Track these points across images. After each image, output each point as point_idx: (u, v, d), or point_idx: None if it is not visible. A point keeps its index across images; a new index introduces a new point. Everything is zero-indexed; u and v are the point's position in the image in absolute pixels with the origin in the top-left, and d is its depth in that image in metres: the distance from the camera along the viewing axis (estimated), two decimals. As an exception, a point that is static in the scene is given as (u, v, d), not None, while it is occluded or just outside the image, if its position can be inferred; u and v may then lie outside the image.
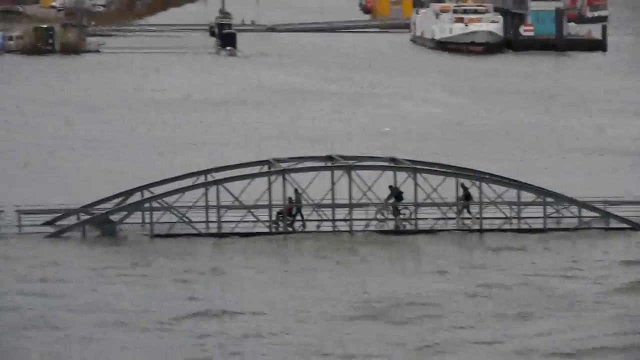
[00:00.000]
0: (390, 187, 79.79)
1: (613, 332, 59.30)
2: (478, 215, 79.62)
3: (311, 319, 60.01)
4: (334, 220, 79.28)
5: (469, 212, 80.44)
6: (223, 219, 78.36)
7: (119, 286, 65.97)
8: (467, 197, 79.85)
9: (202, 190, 78.47)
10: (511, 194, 79.79)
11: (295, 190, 78.73)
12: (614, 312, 61.55)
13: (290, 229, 78.85)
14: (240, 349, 57.35)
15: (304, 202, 78.75)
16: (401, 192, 79.38)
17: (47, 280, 65.63)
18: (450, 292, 64.48)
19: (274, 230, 78.40)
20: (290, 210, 78.87)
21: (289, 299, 63.85)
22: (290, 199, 78.64)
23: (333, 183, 79.12)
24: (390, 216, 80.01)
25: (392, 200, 79.54)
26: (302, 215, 79.20)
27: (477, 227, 79.48)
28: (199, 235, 77.59)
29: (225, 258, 73.72)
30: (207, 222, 78.47)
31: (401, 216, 79.87)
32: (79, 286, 65.59)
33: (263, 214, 78.35)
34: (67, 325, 58.81)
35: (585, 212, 79.61)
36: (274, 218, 78.44)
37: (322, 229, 78.85)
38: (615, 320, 60.63)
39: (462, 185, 79.78)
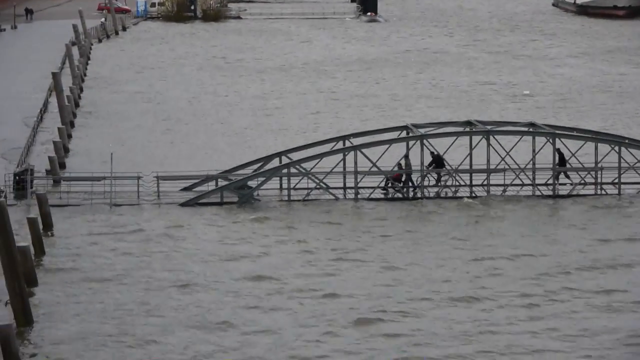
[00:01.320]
0: (434, 154, 79.02)
1: None
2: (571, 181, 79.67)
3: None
4: (471, 185, 78.99)
5: (566, 176, 79.94)
6: (360, 184, 78.31)
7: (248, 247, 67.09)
8: (562, 162, 78.99)
9: (339, 156, 78.36)
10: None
11: (406, 156, 78.37)
12: None
13: (399, 195, 78.61)
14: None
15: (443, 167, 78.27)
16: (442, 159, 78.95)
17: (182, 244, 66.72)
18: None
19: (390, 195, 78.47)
20: (400, 177, 78.66)
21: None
22: (400, 165, 78.39)
23: (471, 148, 78.83)
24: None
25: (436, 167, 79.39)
26: (412, 182, 78.94)
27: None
28: (337, 199, 77.34)
29: (365, 222, 73.27)
30: (344, 187, 78.40)
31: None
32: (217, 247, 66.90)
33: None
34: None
35: None
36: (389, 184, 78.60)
37: (459, 194, 78.32)
38: None
39: (558, 151, 78.92)
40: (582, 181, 79.81)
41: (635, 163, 78.68)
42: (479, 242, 67.43)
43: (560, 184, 79.46)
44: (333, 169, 77.34)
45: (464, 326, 53.57)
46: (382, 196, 78.47)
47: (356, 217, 74.12)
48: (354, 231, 70.60)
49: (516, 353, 50.24)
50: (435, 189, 79.15)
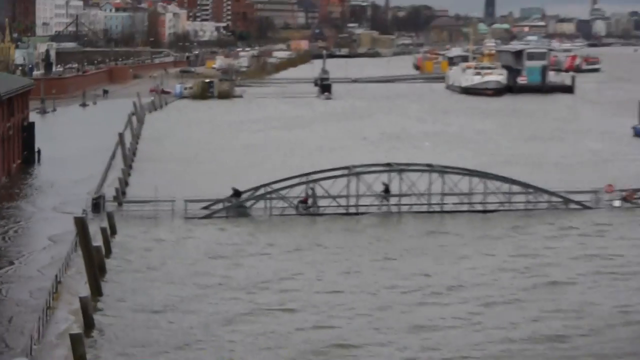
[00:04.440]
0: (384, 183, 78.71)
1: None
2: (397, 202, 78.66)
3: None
4: (356, 205, 77.98)
5: (387, 200, 78.35)
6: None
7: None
8: (387, 190, 78.44)
9: (303, 187, 78.70)
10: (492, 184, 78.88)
11: (312, 188, 78.28)
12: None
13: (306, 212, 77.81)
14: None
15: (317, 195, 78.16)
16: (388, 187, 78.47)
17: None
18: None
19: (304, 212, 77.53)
20: (307, 200, 78.29)
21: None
22: (307, 192, 78.15)
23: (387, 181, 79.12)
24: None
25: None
26: (315, 203, 78.09)
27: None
28: (301, 214, 77.28)
29: (316, 230, 73.91)
30: (314, 207, 78.25)
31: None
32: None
33: (343, 203, 77.81)
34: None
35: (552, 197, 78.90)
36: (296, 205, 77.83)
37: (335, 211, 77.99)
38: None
39: (383, 183, 78.52)
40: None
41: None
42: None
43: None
44: (299, 194, 78.06)
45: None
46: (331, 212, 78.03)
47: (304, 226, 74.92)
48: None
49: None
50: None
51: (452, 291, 55.63)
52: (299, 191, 78.75)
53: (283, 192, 78.15)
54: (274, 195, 78.14)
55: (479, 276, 58.96)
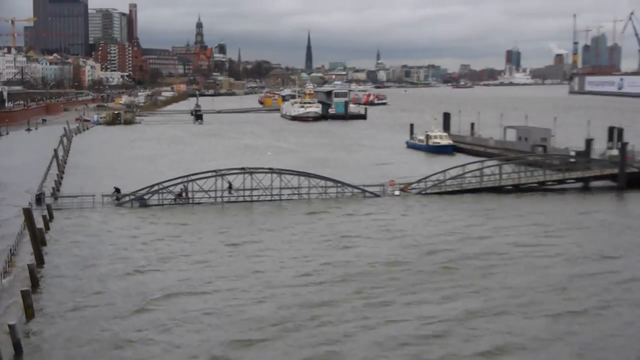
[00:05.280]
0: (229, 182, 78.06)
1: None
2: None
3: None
4: (222, 197, 76.95)
5: (230, 192, 77.41)
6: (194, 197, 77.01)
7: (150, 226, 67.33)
8: (230, 186, 77.68)
9: (183, 185, 77.08)
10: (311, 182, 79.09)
11: (185, 185, 76.83)
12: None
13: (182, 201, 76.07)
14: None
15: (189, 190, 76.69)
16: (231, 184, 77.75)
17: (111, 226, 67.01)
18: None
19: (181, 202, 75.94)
20: (181, 194, 76.72)
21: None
22: (181, 188, 76.77)
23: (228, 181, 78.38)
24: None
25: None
26: (186, 194, 76.50)
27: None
28: (182, 204, 75.71)
29: (193, 214, 72.86)
30: (186, 198, 76.76)
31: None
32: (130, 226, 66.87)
33: (212, 194, 76.78)
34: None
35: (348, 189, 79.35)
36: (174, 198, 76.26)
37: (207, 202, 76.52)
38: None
39: (228, 181, 77.95)
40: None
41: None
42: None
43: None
44: (180, 189, 76.82)
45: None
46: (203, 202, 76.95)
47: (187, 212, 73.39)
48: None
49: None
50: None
51: (284, 248, 55.91)
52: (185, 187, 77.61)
53: (171, 188, 76.95)
54: (164, 191, 76.64)
55: (303, 239, 59.27)
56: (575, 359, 35.67)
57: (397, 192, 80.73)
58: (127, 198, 76.20)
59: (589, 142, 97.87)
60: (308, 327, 39.24)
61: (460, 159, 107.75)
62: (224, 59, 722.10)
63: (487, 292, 45.03)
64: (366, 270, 49.87)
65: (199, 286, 46.49)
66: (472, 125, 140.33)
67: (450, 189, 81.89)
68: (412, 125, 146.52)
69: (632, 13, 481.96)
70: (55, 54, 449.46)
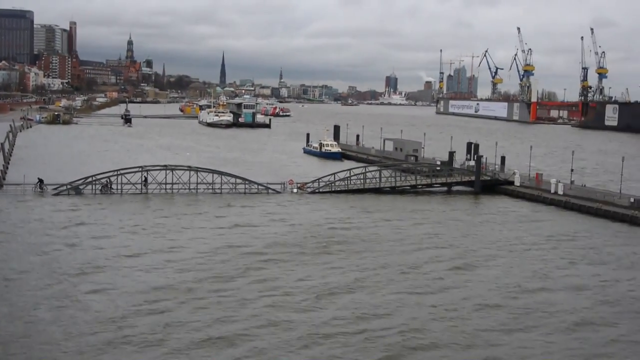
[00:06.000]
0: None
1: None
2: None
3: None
4: (146, 188, 75.85)
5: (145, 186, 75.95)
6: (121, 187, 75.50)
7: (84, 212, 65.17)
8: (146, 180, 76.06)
9: (113, 177, 75.64)
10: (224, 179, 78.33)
11: (109, 178, 75.32)
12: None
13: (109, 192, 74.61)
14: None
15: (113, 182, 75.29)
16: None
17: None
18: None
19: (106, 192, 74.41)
20: (107, 185, 75.05)
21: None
22: (107, 179, 75.31)
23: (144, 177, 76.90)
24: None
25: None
26: (110, 186, 74.91)
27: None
28: (112, 194, 74.23)
29: (113, 201, 71.37)
30: (111, 189, 74.96)
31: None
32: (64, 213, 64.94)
33: (138, 187, 75.54)
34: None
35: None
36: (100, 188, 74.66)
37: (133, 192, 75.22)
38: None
39: (144, 176, 76.53)
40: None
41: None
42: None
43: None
44: (109, 181, 75.14)
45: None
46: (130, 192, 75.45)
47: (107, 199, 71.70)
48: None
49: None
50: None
51: (192, 232, 55.43)
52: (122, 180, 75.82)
53: (102, 180, 75.30)
54: (96, 182, 75.01)
55: (215, 227, 58.92)
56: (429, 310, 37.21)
57: (295, 190, 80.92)
58: (64, 187, 74.15)
59: (451, 154, 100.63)
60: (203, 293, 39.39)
61: (347, 164, 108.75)
62: (150, 72, 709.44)
63: (354, 269, 46.41)
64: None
65: (107, 261, 46.25)
66: (358, 136, 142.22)
67: (339, 189, 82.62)
68: (308, 135, 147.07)
69: (486, 51, 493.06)
70: (3, 61, 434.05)
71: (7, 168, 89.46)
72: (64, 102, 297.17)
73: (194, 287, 40.73)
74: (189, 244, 51.61)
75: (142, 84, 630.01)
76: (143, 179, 76.52)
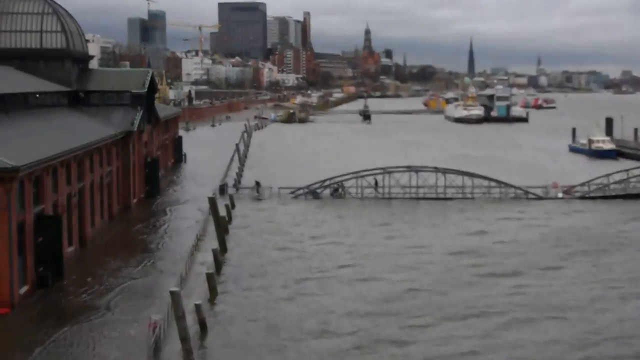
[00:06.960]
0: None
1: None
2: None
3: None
4: (389, 192, 76.28)
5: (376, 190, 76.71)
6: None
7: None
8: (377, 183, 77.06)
9: (338, 183, 77.44)
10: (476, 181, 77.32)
11: (342, 182, 76.77)
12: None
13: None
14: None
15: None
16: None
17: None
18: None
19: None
20: (338, 189, 76.65)
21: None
22: (338, 185, 76.61)
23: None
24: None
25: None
26: (343, 192, 76.28)
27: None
28: (353, 198, 76.01)
29: (349, 206, 73.35)
30: (338, 194, 76.31)
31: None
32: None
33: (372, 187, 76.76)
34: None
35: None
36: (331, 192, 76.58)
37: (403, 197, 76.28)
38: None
39: (375, 179, 77.32)
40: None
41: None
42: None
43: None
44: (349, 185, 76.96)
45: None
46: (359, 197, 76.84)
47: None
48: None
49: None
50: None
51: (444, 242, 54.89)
52: (352, 183, 77.07)
53: (336, 185, 77.40)
54: (332, 186, 77.16)
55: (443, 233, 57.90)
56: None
57: (560, 195, 77.70)
58: (301, 191, 77.16)
59: None
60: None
61: (623, 164, 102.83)
62: (390, 64, 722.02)
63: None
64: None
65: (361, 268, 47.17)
66: (636, 130, 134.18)
67: (614, 193, 78.11)
68: (574, 129, 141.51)
69: None
70: (237, 57, 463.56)
71: (243, 170, 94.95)
72: (299, 99, 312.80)
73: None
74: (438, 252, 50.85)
75: (381, 77, 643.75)
76: (374, 182, 77.55)
